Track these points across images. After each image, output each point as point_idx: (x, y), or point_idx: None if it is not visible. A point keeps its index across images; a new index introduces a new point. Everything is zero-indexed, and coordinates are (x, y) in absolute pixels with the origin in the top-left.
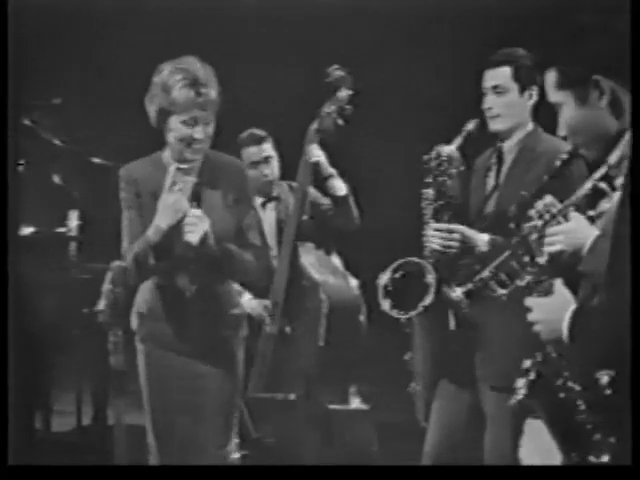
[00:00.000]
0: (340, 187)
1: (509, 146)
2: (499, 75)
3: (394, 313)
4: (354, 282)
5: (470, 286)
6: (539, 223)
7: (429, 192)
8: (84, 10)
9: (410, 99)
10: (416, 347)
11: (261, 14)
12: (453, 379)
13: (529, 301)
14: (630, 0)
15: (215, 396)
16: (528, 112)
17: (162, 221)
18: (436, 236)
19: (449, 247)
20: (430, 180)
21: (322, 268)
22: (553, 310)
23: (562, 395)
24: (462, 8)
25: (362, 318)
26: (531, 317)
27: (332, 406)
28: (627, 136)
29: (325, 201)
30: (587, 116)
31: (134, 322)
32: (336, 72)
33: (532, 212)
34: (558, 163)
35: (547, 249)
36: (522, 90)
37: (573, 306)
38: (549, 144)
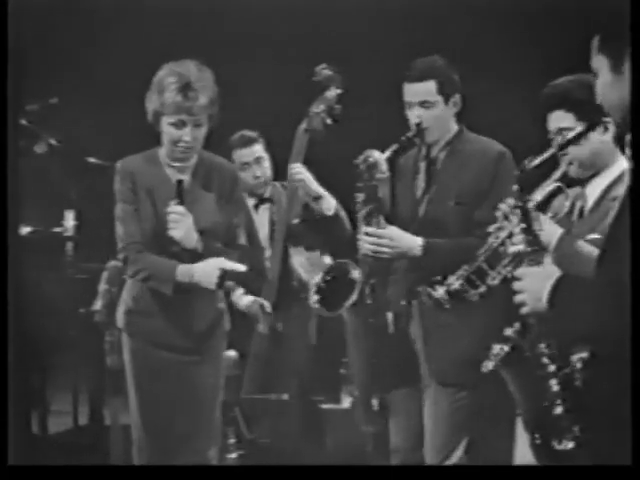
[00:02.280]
0: (328, 207)
1: (436, 150)
2: (424, 90)
3: (322, 311)
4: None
5: (453, 283)
6: (505, 224)
7: (359, 196)
8: (81, 10)
9: (400, 96)
10: (351, 352)
11: (251, 13)
12: (399, 381)
13: (520, 271)
14: (630, 0)
15: (200, 390)
16: (453, 118)
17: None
18: (366, 241)
19: (380, 252)
20: (361, 184)
21: (313, 268)
22: (540, 279)
23: (535, 372)
24: (456, 6)
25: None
26: (518, 285)
27: (325, 405)
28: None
29: (315, 207)
30: (618, 85)
31: (120, 319)
32: (324, 71)
33: (498, 214)
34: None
35: (514, 248)
36: (447, 101)
37: (558, 274)
38: (478, 145)
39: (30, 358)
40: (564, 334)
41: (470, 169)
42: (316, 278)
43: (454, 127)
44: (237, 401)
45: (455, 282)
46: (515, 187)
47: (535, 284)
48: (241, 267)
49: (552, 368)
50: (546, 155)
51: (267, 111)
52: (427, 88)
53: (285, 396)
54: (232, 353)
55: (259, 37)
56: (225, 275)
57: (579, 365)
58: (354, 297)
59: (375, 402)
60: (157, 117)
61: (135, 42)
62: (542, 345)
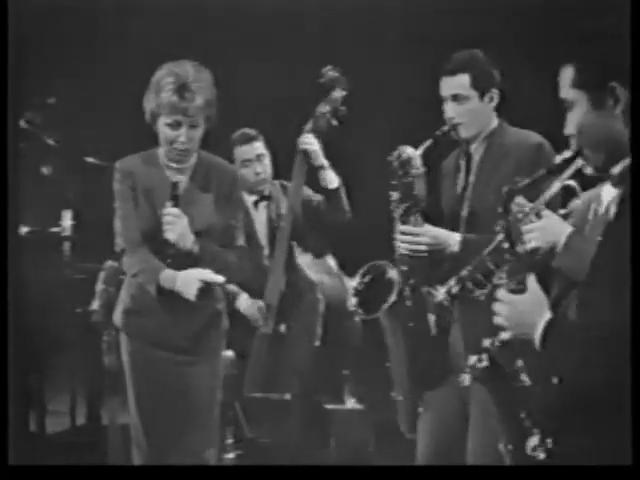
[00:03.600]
0: (331, 180)
1: (474, 146)
2: (457, 84)
3: (360, 313)
4: (349, 282)
5: (452, 284)
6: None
7: (394, 194)
8: (81, 10)
9: (404, 98)
10: (392, 356)
11: (255, 14)
12: (437, 386)
13: (501, 294)
14: (630, 0)
15: (197, 391)
16: (491, 114)
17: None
18: (403, 240)
19: (417, 250)
20: (395, 182)
21: (317, 268)
22: (525, 311)
23: (511, 384)
24: (460, 7)
25: (357, 318)
26: (499, 309)
27: (328, 406)
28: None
29: (316, 198)
30: (599, 120)
31: (118, 318)
32: (330, 73)
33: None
34: (559, 160)
35: (523, 247)
36: (482, 95)
37: (547, 315)
38: (516, 137)
39: (27, 358)
40: (549, 367)
41: (509, 161)
42: (353, 281)
43: (494, 122)
44: (238, 400)
45: (455, 284)
46: (499, 209)
47: (521, 315)
48: (220, 279)
49: (527, 381)
50: (535, 176)
51: (273, 111)
52: (460, 82)
53: (287, 396)
54: (229, 353)
55: (265, 37)
56: (206, 287)
57: (556, 381)
58: (392, 299)
59: (421, 409)
60: (154, 117)
61: (135, 42)
62: (519, 362)
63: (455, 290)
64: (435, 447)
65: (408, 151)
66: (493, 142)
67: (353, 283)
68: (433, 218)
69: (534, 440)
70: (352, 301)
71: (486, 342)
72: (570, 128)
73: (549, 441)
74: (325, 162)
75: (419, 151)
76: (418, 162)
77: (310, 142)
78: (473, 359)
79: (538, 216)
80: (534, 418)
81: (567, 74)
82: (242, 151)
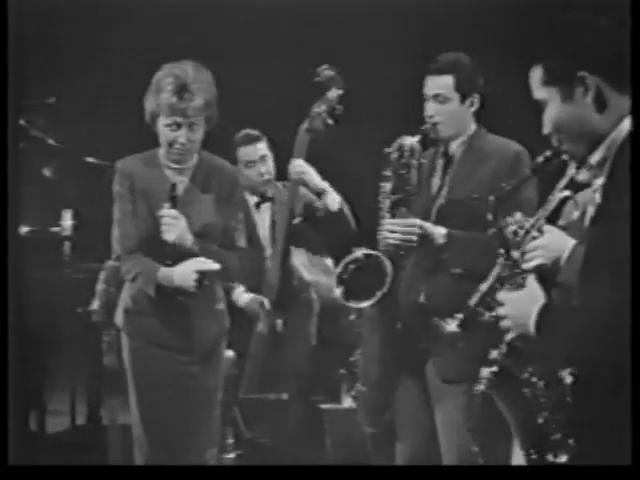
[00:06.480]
0: (332, 202)
1: (454, 147)
2: (441, 84)
3: (349, 303)
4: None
5: (462, 317)
6: (516, 240)
7: (387, 185)
8: (81, 10)
9: (400, 97)
10: (364, 344)
11: (252, 14)
12: (408, 381)
13: (501, 295)
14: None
15: (198, 390)
16: (470, 118)
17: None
18: (394, 231)
19: (408, 241)
20: (389, 173)
21: (313, 268)
22: (522, 305)
23: (525, 390)
24: (449, 6)
25: (353, 317)
26: (501, 311)
27: (324, 405)
28: (611, 136)
29: (319, 205)
30: (572, 112)
31: (119, 318)
32: (326, 72)
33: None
34: (541, 159)
35: (527, 265)
36: (463, 99)
37: (542, 301)
38: (496, 144)
39: (27, 357)
40: (551, 356)
41: (487, 167)
42: (340, 267)
43: (472, 126)
44: (235, 401)
45: (466, 315)
46: (489, 216)
47: (519, 309)
48: (216, 266)
49: (541, 384)
50: (521, 180)
51: (269, 111)
52: (444, 82)
53: (284, 396)
54: (230, 353)
55: (261, 38)
56: (203, 276)
57: (569, 380)
58: (385, 289)
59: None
60: (154, 118)
61: (135, 42)
62: (530, 368)
63: (465, 320)
64: (413, 443)
65: (409, 141)
66: (472, 146)
67: (338, 269)
68: (414, 207)
69: (555, 443)
70: (336, 291)
71: (494, 353)
72: (547, 127)
73: (570, 441)
74: (324, 185)
75: (416, 138)
76: (419, 153)
77: (302, 170)
78: (485, 371)
79: (540, 231)
80: (552, 420)
81: (536, 74)
82: (246, 152)
